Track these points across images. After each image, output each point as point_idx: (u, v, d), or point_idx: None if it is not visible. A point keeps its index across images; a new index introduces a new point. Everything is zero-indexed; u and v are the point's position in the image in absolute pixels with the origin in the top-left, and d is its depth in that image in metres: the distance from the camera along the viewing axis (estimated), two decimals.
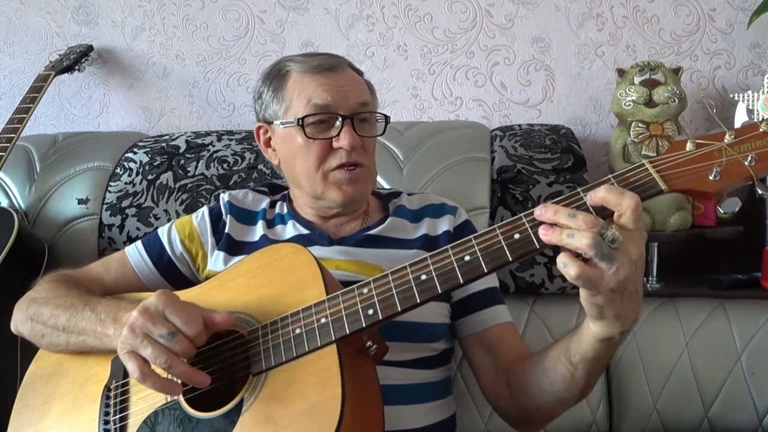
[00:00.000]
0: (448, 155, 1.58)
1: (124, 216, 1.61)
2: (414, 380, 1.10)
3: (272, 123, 1.20)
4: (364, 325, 0.87)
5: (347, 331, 0.87)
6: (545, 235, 0.78)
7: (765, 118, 1.56)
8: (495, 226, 0.84)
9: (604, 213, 0.78)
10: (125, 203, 1.62)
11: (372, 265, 1.13)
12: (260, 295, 0.98)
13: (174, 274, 1.23)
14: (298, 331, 0.90)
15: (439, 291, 0.85)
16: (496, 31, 1.90)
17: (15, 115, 1.75)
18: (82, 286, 1.14)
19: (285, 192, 1.31)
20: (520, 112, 1.91)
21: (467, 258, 0.84)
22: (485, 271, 0.83)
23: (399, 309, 0.86)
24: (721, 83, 1.83)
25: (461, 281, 0.84)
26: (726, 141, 0.79)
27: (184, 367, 0.88)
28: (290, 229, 1.21)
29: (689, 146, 0.81)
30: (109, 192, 1.64)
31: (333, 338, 0.88)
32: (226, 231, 1.22)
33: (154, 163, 1.66)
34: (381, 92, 1.90)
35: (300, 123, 1.13)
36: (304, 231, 1.20)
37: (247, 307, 0.98)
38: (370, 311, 0.87)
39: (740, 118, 1.62)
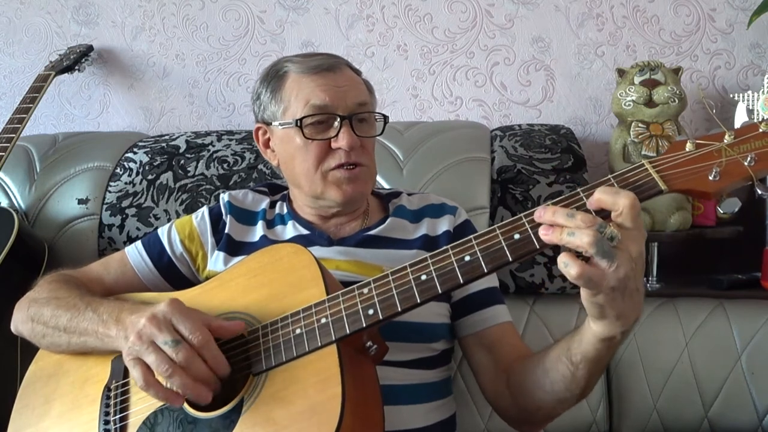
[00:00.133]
0: (448, 155, 1.58)
1: (124, 216, 1.61)
2: (414, 380, 1.10)
3: (271, 124, 1.20)
4: (364, 325, 0.87)
5: (347, 331, 0.88)
6: (545, 235, 0.78)
7: (765, 118, 1.56)
8: (495, 226, 0.84)
9: (603, 213, 0.78)
10: (125, 203, 1.62)
11: (372, 266, 1.13)
12: (260, 296, 0.98)
13: (174, 275, 1.23)
14: (298, 331, 0.90)
15: (440, 291, 0.85)
16: (496, 31, 1.90)
17: (15, 115, 1.75)
18: (83, 287, 1.14)
19: (285, 192, 1.31)
20: (520, 112, 1.91)
21: (467, 258, 0.84)
22: (485, 271, 0.83)
23: (399, 309, 0.87)
24: (721, 83, 1.83)
25: (461, 281, 0.84)
26: (726, 141, 0.79)
27: (185, 380, 0.87)
28: (290, 230, 1.21)
29: (689, 146, 0.81)
30: (109, 192, 1.64)
31: (333, 338, 0.88)
32: (226, 231, 1.22)
33: (154, 163, 1.66)
34: (381, 92, 1.91)
35: (298, 124, 1.13)
36: (304, 231, 1.20)
37: (247, 308, 0.98)
38: (371, 311, 0.87)
39: (740, 118, 1.62)
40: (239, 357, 0.94)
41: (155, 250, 1.23)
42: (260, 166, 1.62)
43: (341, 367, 0.85)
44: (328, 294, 0.92)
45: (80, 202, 1.64)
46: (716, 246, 1.73)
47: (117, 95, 2.06)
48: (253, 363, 0.92)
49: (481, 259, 0.83)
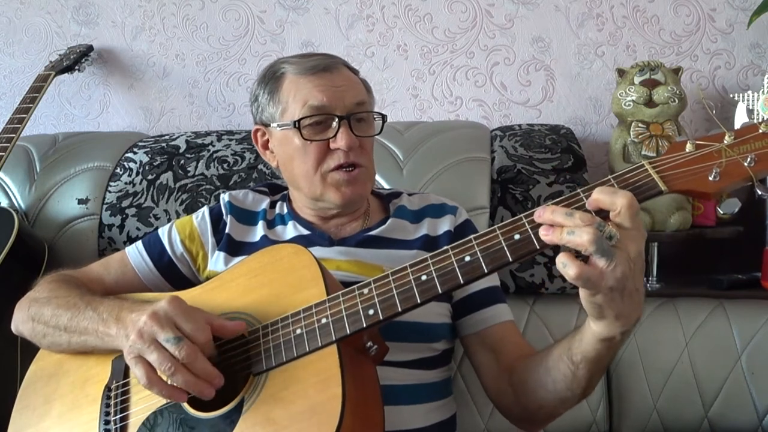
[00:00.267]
0: (448, 155, 1.58)
1: (124, 216, 1.61)
2: (414, 380, 1.10)
3: (269, 125, 1.20)
4: (364, 325, 0.87)
5: (348, 332, 0.88)
6: (546, 235, 0.78)
7: (765, 118, 1.56)
8: (495, 226, 0.84)
9: (602, 214, 0.78)
10: (125, 203, 1.62)
11: (372, 266, 1.13)
12: (261, 296, 0.98)
13: (174, 275, 1.23)
14: (298, 331, 0.90)
15: (440, 291, 0.85)
16: (496, 31, 1.90)
17: (15, 115, 1.75)
18: (83, 286, 1.14)
19: (285, 192, 1.31)
20: (520, 112, 1.91)
21: (467, 258, 0.84)
22: (485, 271, 0.83)
23: (399, 309, 0.87)
24: (721, 83, 1.83)
25: (461, 281, 0.84)
26: (725, 142, 0.79)
27: (187, 377, 0.87)
28: (291, 230, 1.21)
29: (689, 147, 0.81)
30: (109, 192, 1.64)
31: (333, 338, 0.88)
32: (226, 231, 1.22)
33: (154, 163, 1.66)
34: (381, 92, 1.91)
35: (297, 125, 1.13)
36: (305, 231, 1.20)
37: (247, 308, 0.98)
38: (371, 311, 0.87)
39: (740, 118, 1.62)
40: (239, 357, 0.94)
41: (156, 250, 1.23)
42: (260, 166, 1.62)
43: (341, 367, 0.85)
44: (328, 294, 0.92)
45: (80, 202, 1.64)
46: (716, 246, 1.73)
47: (117, 95, 2.06)
48: (253, 363, 0.92)
49: (481, 259, 0.83)
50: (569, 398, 0.97)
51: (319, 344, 0.88)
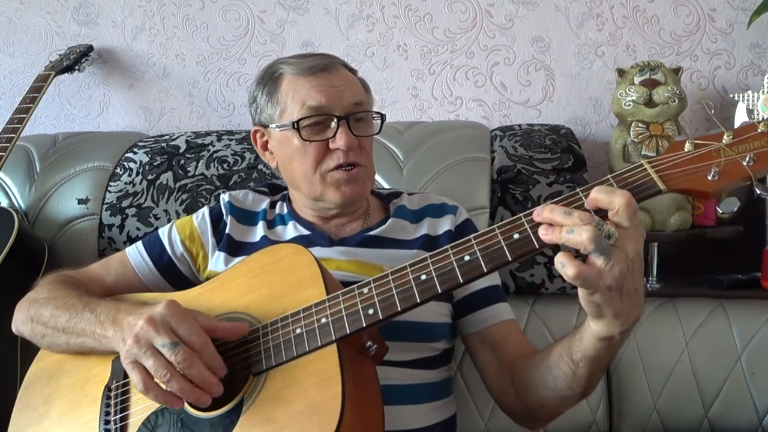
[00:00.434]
0: (448, 155, 1.58)
1: (124, 216, 1.61)
2: (414, 380, 1.10)
3: (268, 126, 1.20)
4: (364, 324, 0.88)
5: (347, 331, 0.88)
6: (545, 234, 0.78)
7: (764, 118, 1.56)
8: (494, 226, 0.84)
9: (600, 213, 0.78)
10: (125, 203, 1.62)
11: (372, 266, 1.13)
12: (261, 296, 0.98)
13: (174, 275, 1.23)
14: (298, 330, 0.90)
15: (439, 291, 0.85)
16: (496, 31, 1.90)
17: (15, 115, 1.75)
18: (83, 287, 1.14)
19: (285, 192, 1.31)
20: (520, 112, 1.91)
21: (467, 258, 0.84)
22: (485, 270, 0.83)
23: (399, 309, 0.87)
24: (721, 83, 1.83)
25: (461, 281, 0.84)
26: (724, 141, 0.79)
27: (183, 383, 0.87)
28: (291, 230, 1.21)
29: (688, 146, 0.81)
30: (109, 192, 1.64)
31: (333, 338, 0.88)
32: (226, 232, 1.22)
33: (154, 163, 1.66)
34: (381, 92, 1.91)
35: (295, 126, 1.13)
36: (305, 232, 1.20)
37: (247, 308, 0.98)
38: (371, 311, 0.88)
39: (740, 118, 1.62)
40: (239, 357, 0.94)
41: (156, 251, 1.23)
42: (260, 166, 1.63)
43: (341, 366, 0.85)
44: (328, 294, 0.92)
45: (80, 202, 1.64)
46: (716, 246, 1.73)
47: (117, 95, 2.06)
48: (253, 363, 0.92)
49: (480, 258, 0.83)
50: (570, 397, 0.97)
51: (319, 344, 0.88)
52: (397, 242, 1.19)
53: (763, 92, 1.62)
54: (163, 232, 1.25)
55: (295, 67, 1.16)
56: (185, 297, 1.03)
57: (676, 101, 1.63)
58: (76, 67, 1.94)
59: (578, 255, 0.76)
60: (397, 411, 1.04)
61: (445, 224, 1.22)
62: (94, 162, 1.69)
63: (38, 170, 1.71)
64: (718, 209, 1.66)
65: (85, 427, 0.99)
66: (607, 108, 1.86)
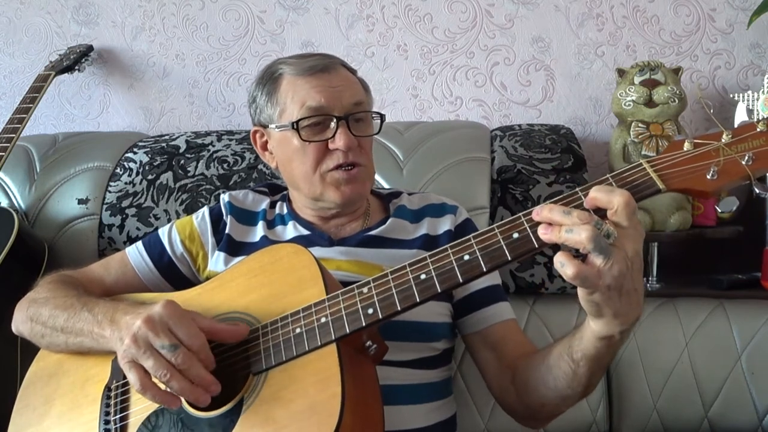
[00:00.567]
0: (448, 155, 1.58)
1: (124, 216, 1.61)
2: (414, 380, 1.10)
3: (268, 127, 1.20)
4: (363, 324, 0.88)
5: (347, 331, 0.88)
6: (545, 233, 0.78)
7: (763, 117, 1.56)
8: (494, 225, 0.84)
9: (600, 213, 0.78)
10: (125, 203, 1.62)
11: (372, 265, 1.13)
12: (260, 295, 0.98)
13: (174, 275, 1.23)
14: (298, 330, 0.90)
15: (439, 290, 0.85)
16: (496, 31, 1.90)
17: (15, 115, 1.75)
18: (82, 287, 1.14)
19: (284, 192, 1.31)
20: (520, 112, 1.91)
21: (466, 257, 0.84)
22: (484, 270, 0.83)
23: (398, 308, 0.87)
24: (721, 83, 1.83)
25: (460, 280, 0.84)
26: (723, 140, 0.79)
27: (183, 383, 0.87)
28: (291, 230, 1.21)
29: (687, 146, 0.81)
30: (109, 192, 1.64)
31: (333, 338, 0.88)
32: (226, 232, 1.22)
33: (154, 163, 1.66)
34: (381, 92, 1.91)
35: (295, 126, 1.13)
36: (305, 232, 1.20)
37: (247, 308, 0.98)
38: (370, 310, 0.88)
39: (740, 118, 1.62)
40: (239, 356, 0.94)
41: (156, 251, 1.23)
42: (260, 166, 1.63)
43: (341, 366, 0.85)
44: (327, 294, 0.92)
45: (80, 202, 1.64)
46: (716, 246, 1.73)
47: (117, 95, 2.06)
48: (252, 362, 0.92)
49: (480, 258, 0.83)
50: (570, 396, 0.97)
51: (319, 343, 0.88)
52: (397, 242, 1.19)
53: (763, 92, 1.62)
54: (163, 232, 1.25)
55: (295, 68, 1.16)
56: (185, 297, 1.03)
57: (676, 101, 1.63)
58: (76, 67, 1.94)
59: (578, 254, 0.76)
60: (397, 411, 1.04)
61: (445, 224, 1.22)
62: (94, 162, 1.69)
63: (38, 170, 1.71)
64: (717, 208, 1.66)
65: (85, 426, 0.99)
66: (607, 108, 1.86)
